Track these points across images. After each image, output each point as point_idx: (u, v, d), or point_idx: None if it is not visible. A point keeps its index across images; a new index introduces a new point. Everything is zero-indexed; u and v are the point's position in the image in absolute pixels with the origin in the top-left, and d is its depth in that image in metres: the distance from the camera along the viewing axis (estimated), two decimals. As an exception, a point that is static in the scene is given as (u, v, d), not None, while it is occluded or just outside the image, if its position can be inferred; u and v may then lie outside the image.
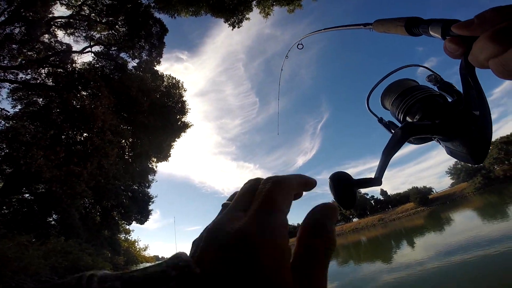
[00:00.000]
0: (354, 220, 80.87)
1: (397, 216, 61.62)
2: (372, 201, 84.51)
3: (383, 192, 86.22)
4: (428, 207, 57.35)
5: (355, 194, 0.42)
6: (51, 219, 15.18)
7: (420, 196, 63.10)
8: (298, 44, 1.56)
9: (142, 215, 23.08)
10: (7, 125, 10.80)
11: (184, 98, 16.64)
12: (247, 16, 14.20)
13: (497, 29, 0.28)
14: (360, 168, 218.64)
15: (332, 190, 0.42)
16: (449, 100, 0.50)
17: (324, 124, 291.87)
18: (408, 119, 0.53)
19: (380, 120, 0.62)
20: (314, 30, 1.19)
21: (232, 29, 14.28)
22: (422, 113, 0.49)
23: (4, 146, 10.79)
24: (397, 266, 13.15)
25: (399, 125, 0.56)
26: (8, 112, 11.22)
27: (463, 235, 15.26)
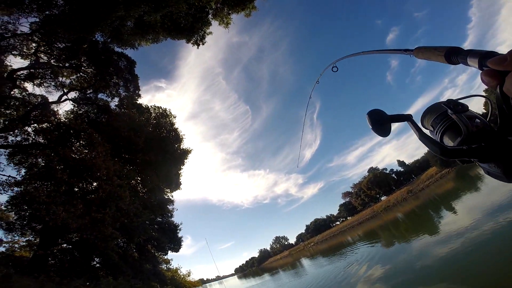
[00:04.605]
0: (383, 198, 75.19)
1: (424, 184, 55.94)
2: (393, 175, 78.42)
3: (401, 163, 79.71)
4: (452, 167, 51.81)
5: (389, 126, 0.53)
6: (94, 263, 15.13)
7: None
8: (333, 67, 1.48)
9: (175, 244, 22.59)
10: (21, 190, 10.59)
11: (176, 126, 15.57)
12: (207, 31, 13.27)
13: None
14: (368, 145, 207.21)
15: (370, 123, 0.52)
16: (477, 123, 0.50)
17: (319, 113, 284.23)
18: (445, 138, 0.54)
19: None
20: (350, 54, 1.20)
21: (198, 47, 13.39)
22: (460, 136, 0.50)
23: (26, 207, 10.79)
24: (447, 236, 11.31)
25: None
26: (16, 178, 10.87)
27: (503, 189, 13.07)
